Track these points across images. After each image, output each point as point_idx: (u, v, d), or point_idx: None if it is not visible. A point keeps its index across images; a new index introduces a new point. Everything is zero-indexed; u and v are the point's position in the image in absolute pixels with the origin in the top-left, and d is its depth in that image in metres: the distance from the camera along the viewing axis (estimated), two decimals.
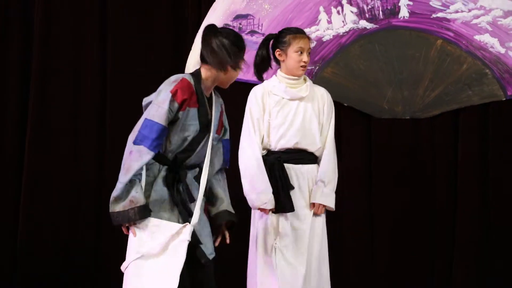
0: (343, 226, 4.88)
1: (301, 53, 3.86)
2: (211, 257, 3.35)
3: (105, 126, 4.91)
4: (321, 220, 3.91)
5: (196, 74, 3.35)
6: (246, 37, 4.85)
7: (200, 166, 3.39)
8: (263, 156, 3.89)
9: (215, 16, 4.89)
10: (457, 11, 4.86)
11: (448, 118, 4.93)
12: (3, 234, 4.91)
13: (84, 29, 4.97)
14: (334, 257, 4.51)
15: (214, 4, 4.90)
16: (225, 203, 3.46)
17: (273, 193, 3.83)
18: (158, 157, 3.30)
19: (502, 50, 4.85)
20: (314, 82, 4.33)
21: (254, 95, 3.94)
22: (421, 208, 4.92)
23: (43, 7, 4.92)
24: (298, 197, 3.87)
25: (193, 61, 4.91)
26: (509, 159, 4.88)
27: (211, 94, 3.41)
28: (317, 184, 3.89)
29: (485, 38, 4.86)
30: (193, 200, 3.31)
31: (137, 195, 3.18)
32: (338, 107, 4.90)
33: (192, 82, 3.30)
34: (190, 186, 3.32)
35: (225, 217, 3.43)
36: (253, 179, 3.84)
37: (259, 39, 4.83)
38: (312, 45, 4.81)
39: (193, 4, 4.97)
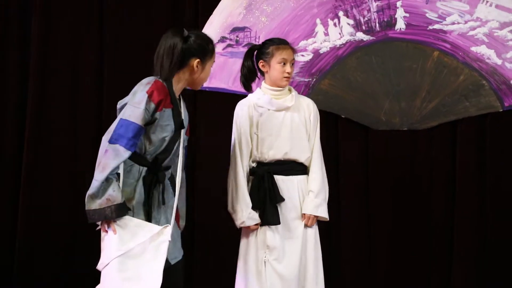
0: (341, 237, 4.90)
1: (284, 64, 3.87)
2: (173, 261, 3.42)
3: (104, 126, 4.92)
4: (313, 231, 3.90)
5: (166, 77, 3.42)
6: (243, 49, 4.92)
7: (173, 168, 3.49)
8: (253, 169, 3.91)
9: (212, 29, 4.93)
10: (453, 23, 4.90)
11: (446, 130, 4.96)
12: (2, 234, 4.94)
13: (83, 29, 5.02)
14: (332, 268, 4.53)
15: (211, 17, 4.94)
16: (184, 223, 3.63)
17: (260, 206, 3.84)
18: (138, 159, 3.37)
19: (499, 62, 4.89)
20: (311, 94, 4.37)
21: (240, 109, 3.95)
22: (419, 219, 4.94)
23: (42, 7, 4.97)
24: (289, 209, 3.87)
25: None
26: (506, 169, 4.91)
27: (180, 96, 3.50)
28: (308, 194, 3.89)
29: (482, 50, 4.89)
30: (163, 203, 3.40)
31: (114, 194, 3.23)
32: (336, 119, 4.95)
33: (164, 83, 3.39)
34: (166, 188, 3.42)
35: None
36: (232, 198, 3.89)
37: None
38: (309, 57, 4.91)
39: (190, 4, 5.00)
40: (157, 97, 3.33)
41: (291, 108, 3.91)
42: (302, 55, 4.87)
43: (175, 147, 3.45)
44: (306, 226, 3.87)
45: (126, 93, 3.64)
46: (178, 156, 3.48)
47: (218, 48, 4.93)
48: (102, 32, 5.02)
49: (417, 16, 4.92)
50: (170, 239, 3.29)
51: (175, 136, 3.43)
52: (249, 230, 3.88)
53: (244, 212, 3.85)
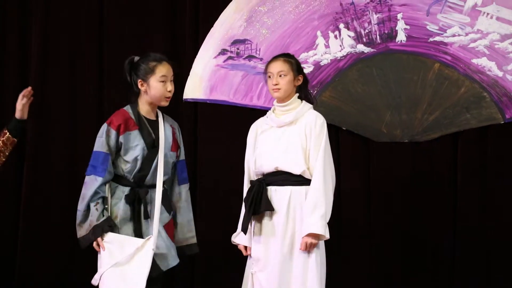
0: (342, 248, 4.91)
1: (270, 77, 3.98)
2: (165, 269, 3.79)
3: None
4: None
5: (134, 103, 3.84)
6: (244, 61, 4.97)
7: (163, 185, 3.82)
8: (254, 180, 3.98)
9: (213, 41, 4.99)
10: (454, 35, 4.95)
11: (447, 142, 4.99)
12: (3, 236, 5.00)
13: (82, 34, 5.10)
14: (333, 280, 4.55)
15: (212, 30, 4.99)
16: (190, 233, 3.95)
17: (248, 213, 3.92)
18: (120, 180, 3.78)
19: (500, 74, 4.92)
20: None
21: (251, 128, 4.08)
22: (421, 231, 4.96)
23: (42, 7, 5.06)
24: (277, 218, 3.88)
25: (191, 85, 4.99)
26: (508, 181, 4.93)
27: (157, 117, 3.87)
28: (306, 211, 3.86)
29: (483, 62, 4.93)
30: (148, 217, 3.76)
31: (92, 218, 3.73)
32: (337, 131, 4.98)
33: (129, 110, 3.80)
34: (150, 204, 3.77)
35: (193, 250, 3.99)
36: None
37: (257, 63, 4.95)
38: (310, 69, 4.95)
39: (190, 14, 5.06)
40: (116, 122, 3.75)
41: (293, 123, 3.96)
42: (303, 67, 4.90)
43: (153, 165, 3.78)
44: (294, 229, 3.87)
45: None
46: (167, 173, 3.84)
47: (219, 60, 4.99)
48: (102, 43, 5.10)
49: (417, 28, 4.96)
50: (154, 248, 3.67)
51: (151, 155, 3.77)
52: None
53: (239, 229, 3.98)
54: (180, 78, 4.98)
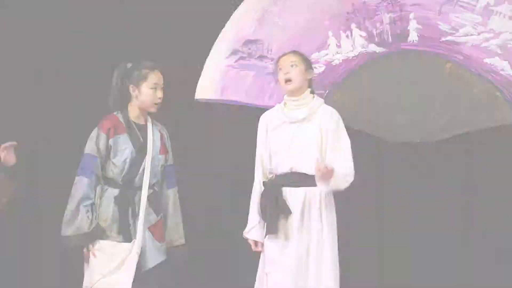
0: (352, 249, 4.92)
1: (281, 69, 3.99)
2: (147, 268, 3.93)
3: None
4: (315, 242, 3.87)
5: (124, 108, 4.01)
6: (255, 62, 5.01)
7: (153, 187, 4.00)
8: (268, 181, 3.99)
9: (224, 41, 5.03)
10: (466, 35, 4.96)
11: (459, 142, 5.00)
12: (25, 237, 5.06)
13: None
14: (344, 281, 4.58)
15: (224, 29, 5.04)
16: (178, 235, 4.11)
17: (264, 217, 3.93)
18: (110, 182, 3.93)
19: None
20: None
21: (260, 122, 4.09)
22: (433, 232, 4.97)
23: None
24: (296, 220, 3.88)
25: (202, 86, 5.03)
26: None
27: (146, 122, 4.05)
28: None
29: (495, 61, 4.94)
30: (138, 218, 3.93)
31: (82, 224, 3.84)
32: (348, 131, 5.00)
33: (118, 115, 4.01)
34: (138, 205, 3.92)
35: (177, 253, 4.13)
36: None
37: (268, 63, 4.98)
38: (321, 69, 4.98)
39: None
40: (105, 126, 3.95)
41: (306, 119, 3.96)
42: (315, 67, 4.93)
43: (141, 168, 3.95)
44: (309, 231, 3.89)
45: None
46: (156, 175, 4.00)
47: (230, 60, 5.03)
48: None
49: (430, 28, 4.98)
50: (138, 251, 3.85)
51: (139, 158, 3.94)
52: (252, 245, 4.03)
53: (250, 224, 4.01)
54: (192, 78, 5.05)
